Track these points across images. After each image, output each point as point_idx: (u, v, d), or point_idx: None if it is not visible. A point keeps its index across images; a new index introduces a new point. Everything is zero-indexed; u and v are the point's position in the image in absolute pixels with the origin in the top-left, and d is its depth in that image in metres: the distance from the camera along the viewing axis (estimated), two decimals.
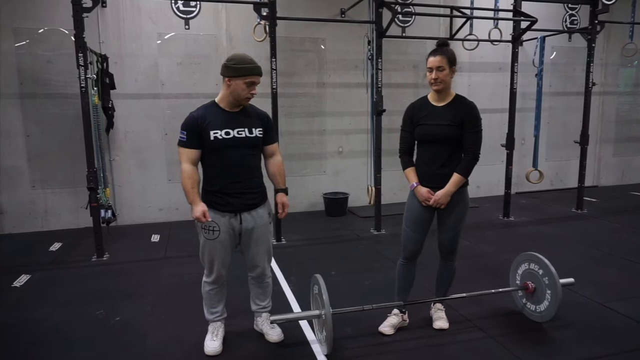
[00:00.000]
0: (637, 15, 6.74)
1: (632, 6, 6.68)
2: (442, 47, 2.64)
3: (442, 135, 2.64)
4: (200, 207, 2.41)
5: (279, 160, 2.73)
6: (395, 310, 2.92)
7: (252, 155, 2.56)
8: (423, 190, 2.69)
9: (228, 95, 2.48)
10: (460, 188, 2.69)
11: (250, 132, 2.52)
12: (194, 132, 2.45)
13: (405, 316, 2.93)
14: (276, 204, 2.70)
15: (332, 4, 5.89)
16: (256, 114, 2.61)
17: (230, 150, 2.47)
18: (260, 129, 2.57)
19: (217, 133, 2.44)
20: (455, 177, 2.64)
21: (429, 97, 2.76)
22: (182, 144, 2.47)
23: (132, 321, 3.06)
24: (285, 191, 2.73)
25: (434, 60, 2.60)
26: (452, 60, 2.62)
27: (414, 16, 5.91)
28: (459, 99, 2.71)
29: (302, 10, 5.68)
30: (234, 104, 2.50)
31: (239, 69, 2.40)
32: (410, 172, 2.76)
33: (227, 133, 2.45)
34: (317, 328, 2.77)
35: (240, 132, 2.48)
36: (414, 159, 2.82)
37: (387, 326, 2.85)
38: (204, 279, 2.68)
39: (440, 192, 2.65)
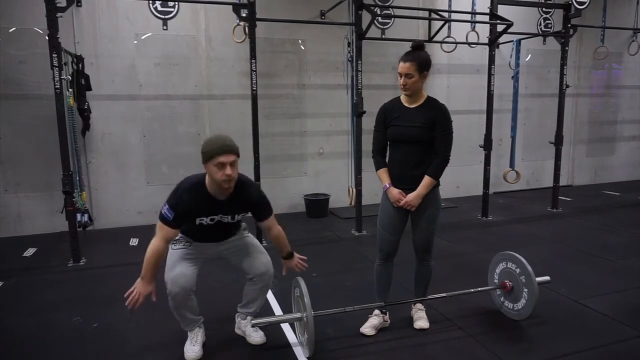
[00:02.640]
0: (608, 20, 6.96)
1: (603, 11, 6.90)
2: (415, 51, 2.63)
3: (413, 137, 2.66)
4: (150, 287, 2.35)
5: (277, 232, 2.68)
6: (376, 311, 2.94)
7: (231, 229, 2.64)
8: (395, 192, 2.71)
9: (210, 181, 2.37)
10: (432, 189, 2.72)
11: (233, 219, 2.53)
12: (182, 216, 2.38)
13: (387, 317, 2.95)
14: (289, 268, 2.81)
15: (312, 6, 5.89)
16: (247, 201, 2.52)
17: (211, 230, 2.52)
18: (244, 214, 2.59)
19: (203, 220, 2.45)
20: (426, 180, 2.67)
21: (401, 98, 2.78)
22: (166, 221, 2.36)
23: (110, 327, 3.01)
24: (291, 255, 2.76)
25: (403, 67, 2.62)
26: (422, 66, 2.63)
27: (393, 18, 5.96)
28: (430, 101, 2.73)
29: (281, 12, 5.67)
30: (218, 191, 2.38)
31: (205, 153, 2.30)
32: (383, 172, 2.78)
33: (212, 219, 2.47)
34: (299, 330, 2.76)
35: (223, 218, 2.50)
36: (386, 159, 2.85)
37: (368, 327, 2.87)
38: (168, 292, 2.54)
39: (411, 195, 2.67)
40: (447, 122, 2.68)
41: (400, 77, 2.64)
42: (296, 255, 2.77)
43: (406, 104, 2.73)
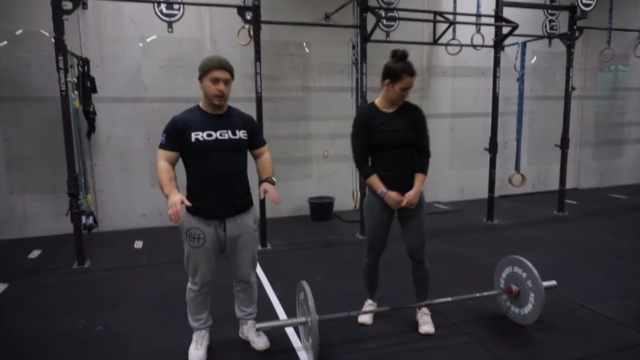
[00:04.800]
0: (614, 22, 6.91)
1: (609, 13, 6.85)
2: (406, 59, 2.66)
3: (402, 140, 2.74)
4: (179, 196, 2.28)
5: (267, 157, 2.68)
6: (369, 301, 3.12)
7: (235, 158, 2.52)
8: (393, 195, 2.75)
9: (204, 97, 2.48)
10: None
11: (234, 134, 2.49)
12: (174, 134, 2.42)
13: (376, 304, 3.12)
14: (264, 190, 2.54)
15: (317, 8, 5.89)
16: (240, 117, 2.59)
17: (212, 153, 2.43)
18: (245, 132, 2.54)
19: (198, 135, 2.41)
20: (421, 177, 2.80)
21: (376, 103, 2.82)
22: (161, 146, 2.47)
23: (114, 330, 3.00)
24: (270, 181, 2.57)
25: (412, 81, 2.66)
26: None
27: (398, 21, 5.94)
28: (406, 104, 2.80)
29: (286, 14, 5.67)
30: (212, 106, 2.48)
31: (201, 68, 2.43)
32: (376, 179, 2.80)
33: (209, 135, 2.43)
34: (303, 335, 2.75)
35: (223, 134, 2.45)
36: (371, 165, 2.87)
37: (365, 317, 3.01)
38: (189, 285, 2.65)
39: (410, 193, 2.74)
40: (425, 121, 2.82)
41: (405, 90, 2.67)
42: (269, 185, 2.53)
43: (385, 109, 2.79)
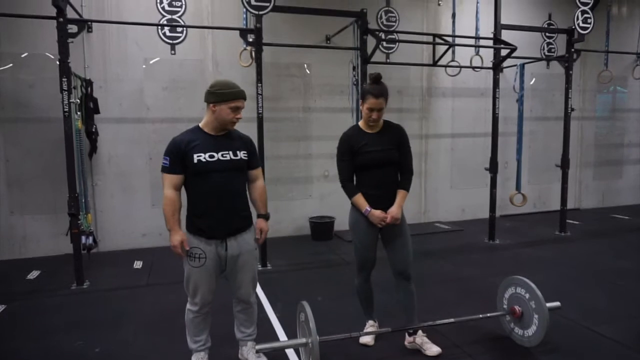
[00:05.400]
0: (611, 44, 7.01)
1: (606, 35, 6.96)
2: (381, 85, 2.73)
3: (386, 160, 2.80)
4: (179, 236, 2.43)
5: (260, 186, 2.72)
6: (370, 322, 3.10)
7: (236, 178, 2.54)
8: (377, 213, 2.79)
9: (213, 121, 2.49)
10: None
11: (235, 155, 2.51)
12: (177, 156, 2.44)
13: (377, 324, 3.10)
14: (259, 228, 2.70)
15: (318, 30, 5.99)
16: (240, 138, 2.62)
17: (214, 174, 2.45)
18: (245, 152, 2.56)
19: (200, 156, 2.43)
20: (402, 193, 2.84)
21: (360, 125, 2.90)
22: (164, 169, 2.47)
23: (112, 352, 2.96)
24: (266, 217, 2.73)
25: (376, 103, 2.72)
26: (387, 98, 2.77)
27: (397, 43, 6.03)
28: (388, 124, 2.89)
29: (288, 36, 5.75)
30: (219, 129, 2.50)
31: (223, 94, 2.43)
32: (360, 197, 2.84)
33: (212, 156, 2.44)
34: (304, 356, 2.71)
35: (224, 155, 2.48)
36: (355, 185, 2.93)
37: (367, 337, 3.00)
38: (188, 306, 2.62)
39: (393, 209, 2.79)
40: (407, 140, 2.89)
41: (372, 111, 2.73)
42: (264, 223, 2.70)
43: (368, 131, 2.85)
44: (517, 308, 2.94)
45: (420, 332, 2.94)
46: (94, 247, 4.66)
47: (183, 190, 2.53)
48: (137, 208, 5.57)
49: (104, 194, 5.44)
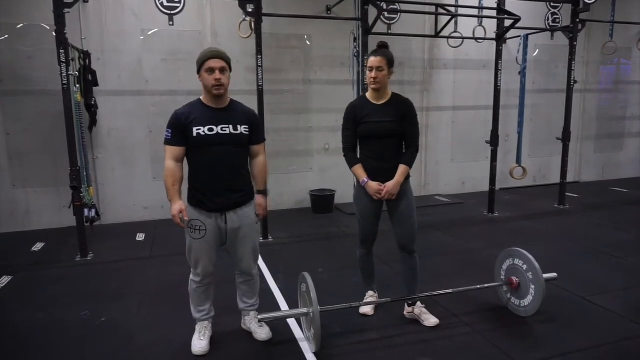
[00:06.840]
0: (617, 15, 6.87)
1: (612, 5, 6.81)
2: (382, 48, 2.78)
3: (387, 132, 2.78)
4: (178, 206, 2.44)
5: (261, 161, 2.71)
6: (370, 292, 3.15)
7: (237, 152, 2.54)
8: (374, 184, 2.80)
9: (205, 92, 2.49)
10: (405, 179, 2.83)
11: (235, 129, 2.50)
12: (178, 129, 2.45)
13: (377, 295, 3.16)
14: (258, 204, 2.73)
15: (318, 1, 5.87)
16: (243, 112, 2.60)
17: (214, 147, 2.46)
18: (246, 127, 2.55)
19: (200, 129, 2.43)
20: (403, 168, 2.80)
21: (367, 96, 2.89)
22: (166, 141, 2.49)
23: (117, 322, 3.03)
24: (264, 193, 2.73)
25: (374, 60, 2.73)
26: (390, 62, 2.76)
27: (399, 13, 5.92)
28: (396, 96, 2.86)
29: (287, 7, 5.64)
30: (214, 100, 2.49)
31: (198, 61, 2.46)
32: (359, 168, 2.86)
33: (211, 129, 2.44)
34: (305, 326, 2.77)
35: (224, 129, 2.47)
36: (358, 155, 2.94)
37: (367, 307, 3.05)
38: (191, 277, 2.67)
39: (390, 183, 2.78)
40: (414, 114, 2.84)
41: (371, 71, 2.74)
42: (263, 199, 2.73)
43: (374, 101, 2.84)
44: (514, 279, 3.00)
45: (419, 303, 3.00)
46: (97, 220, 4.70)
47: (186, 163, 2.54)
48: (139, 181, 5.58)
49: (105, 167, 5.45)
